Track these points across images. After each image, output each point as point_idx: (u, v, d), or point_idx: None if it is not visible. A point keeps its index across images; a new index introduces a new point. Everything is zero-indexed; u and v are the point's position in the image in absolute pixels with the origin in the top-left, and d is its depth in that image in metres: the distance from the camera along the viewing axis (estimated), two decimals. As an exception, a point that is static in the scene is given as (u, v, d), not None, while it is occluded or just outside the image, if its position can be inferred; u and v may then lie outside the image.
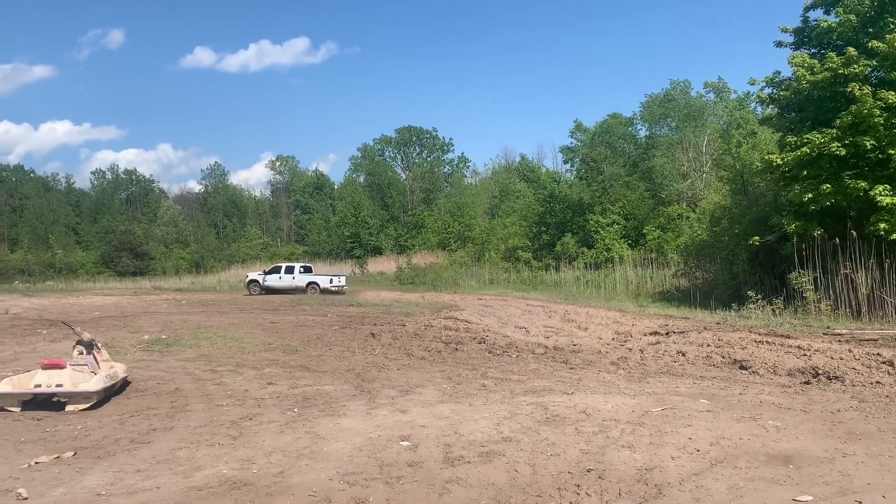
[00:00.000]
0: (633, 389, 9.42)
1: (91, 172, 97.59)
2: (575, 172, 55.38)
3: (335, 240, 67.06)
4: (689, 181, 41.68)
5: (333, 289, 35.86)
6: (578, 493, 5.34)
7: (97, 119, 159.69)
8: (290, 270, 37.51)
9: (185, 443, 6.79)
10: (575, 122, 55.34)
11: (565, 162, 59.85)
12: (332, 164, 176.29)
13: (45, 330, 17.46)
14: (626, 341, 14.98)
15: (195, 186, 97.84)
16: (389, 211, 70.43)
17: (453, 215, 60.71)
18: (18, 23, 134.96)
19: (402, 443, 6.65)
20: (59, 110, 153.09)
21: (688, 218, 37.26)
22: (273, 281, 36.58)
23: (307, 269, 38.53)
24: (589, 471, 5.81)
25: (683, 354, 12.78)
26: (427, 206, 69.58)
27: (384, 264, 54.65)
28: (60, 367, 8.52)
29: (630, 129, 52.45)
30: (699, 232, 29.29)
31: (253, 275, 38.36)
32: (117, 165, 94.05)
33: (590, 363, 12.14)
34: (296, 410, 8.21)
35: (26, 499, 5.10)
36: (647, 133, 51.61)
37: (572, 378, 10.48)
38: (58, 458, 6.21)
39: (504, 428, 7.14)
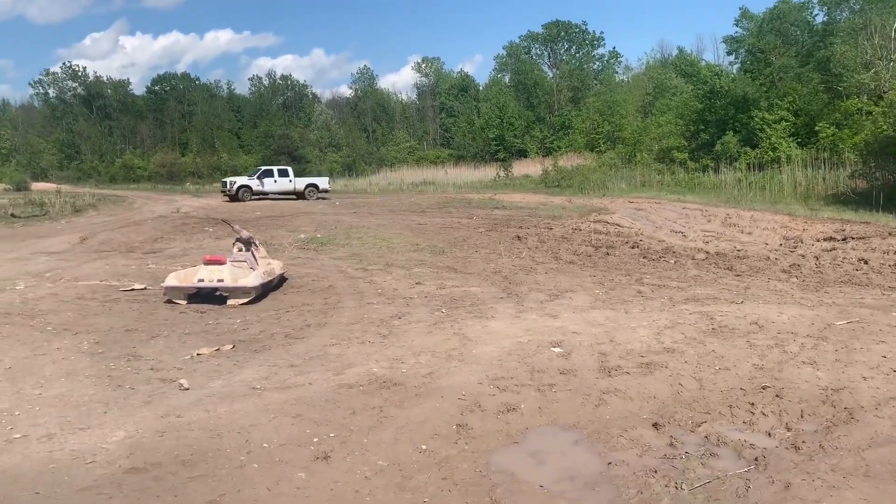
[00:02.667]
0: (811, 300, 8.52)
1: (248, 79, 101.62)
2: (739, 65, 50.81)
3: (479, 143, 66.21)
4: (872, 71, 36.89)
5: (329, 188, 37.13)
6: (753, 413, 4.82)
7: (256, 26, 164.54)
8: (284, 173, 36.29)
9: (336, 339, 6.84)
10: (741, 9, 49.96)
11: (729, 54, 55.03)
12: (478, 66, 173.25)
13: (211, 228, 18.56)
14: (796, 247, 13.72)
15: (346, 91, 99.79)
16: (535, 111, 68.26)
17: (603, 115, 57.82)
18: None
19: (553, 349, 6.33)
20: (222, 19, 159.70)
21: (870, 113, 33.23)
22: (269, 185, 35.28)
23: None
24: (764, 388, 5.25)
25: (866, 262, 11.50)
26: (575, 106, 66.72)
27: (529, 167, 53.27)
28: (221, 262, 8.88)
29: (804, 14, 46.95)
30: (884, 127, 26.07)
31: (241, 180, 36.27)
32: (274, 72, 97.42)
33: (758, 270, 11.19)
34: (444, 311, 8.09)
35: (187, 389, 5.28)
36: (825, 18, 46.02)
37: (739, 286, 9.67)
38: (217, 350, 6.43)
39: (665, 338, 6.63)
